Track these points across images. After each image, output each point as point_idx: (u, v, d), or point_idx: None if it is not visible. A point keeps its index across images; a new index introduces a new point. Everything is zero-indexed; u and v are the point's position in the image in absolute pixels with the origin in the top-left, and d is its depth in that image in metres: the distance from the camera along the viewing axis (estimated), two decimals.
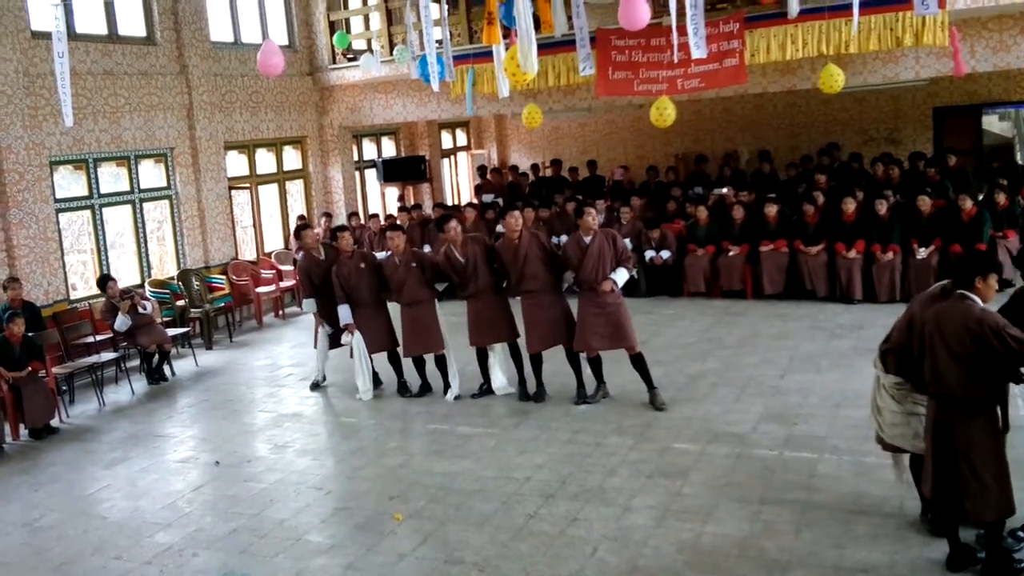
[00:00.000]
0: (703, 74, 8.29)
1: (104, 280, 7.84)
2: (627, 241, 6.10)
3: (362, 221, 11.15)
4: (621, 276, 5.86)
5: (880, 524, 4.08)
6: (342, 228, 6.86)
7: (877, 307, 8.30)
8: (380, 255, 7.71)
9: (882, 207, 8.51)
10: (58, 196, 8.37)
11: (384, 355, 6.79)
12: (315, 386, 7.15)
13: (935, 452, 3.56)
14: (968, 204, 8.34)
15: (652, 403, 5.93)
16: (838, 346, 7.15)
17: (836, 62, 7.69)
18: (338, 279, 6.59)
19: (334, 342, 6.96)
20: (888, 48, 7.85)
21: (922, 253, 8.34)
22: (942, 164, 10.04)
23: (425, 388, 6.67)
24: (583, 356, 6.11)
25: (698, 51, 6.69)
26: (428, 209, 11.96)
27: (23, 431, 6.56)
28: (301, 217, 10.89)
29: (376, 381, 6.86)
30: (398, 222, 9.02)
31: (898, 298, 8.36)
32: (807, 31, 7.96)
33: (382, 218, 11.23)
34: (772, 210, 9.05)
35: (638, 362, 5.93)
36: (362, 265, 6.60)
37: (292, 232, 8.64)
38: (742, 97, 11.41)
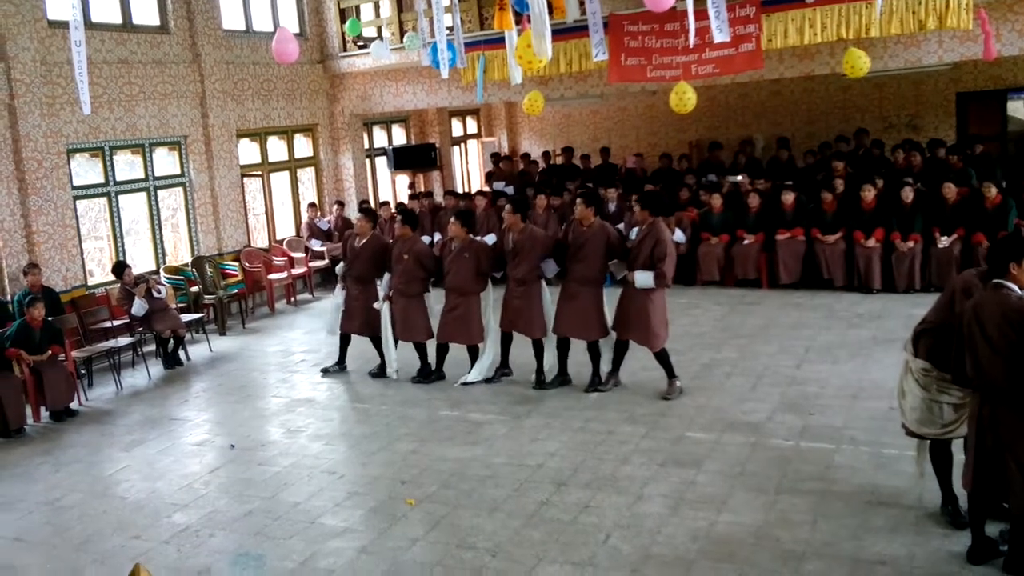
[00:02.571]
0: (718, 59, 8.15)
1: (120, 267, 7.90)
2: (636, 229, 6.02)
3: None
4: (641, 277, 5.80)
5: (899, 516, 4.03)
6: (406, 211, 7.12)
7: (896, 297, 8.19)
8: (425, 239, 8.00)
9: (908, 195, 8.36)
10: (75, 183, 8.43)
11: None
12: (326, 371, 7.19)
13: (978, 445, 3.48)
14: (993, 192, 8.17)
15: (665, 390, 5.92)
16: (856, 336, 7.06)
17: (856, 46, 7.52)
18: (389, 254, 6.79)
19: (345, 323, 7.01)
20: (910, 31, 7.68)
21: (944, 242, 8.20)
22: (964, 151, 9.83)
23: (439, 375, 6.69)
24: (602, 342, 6.12)
25: (720, 35, 6.55)
26: (439, 197, 11.93)
27: (44, 413, 6.65)
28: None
29: (383, 371, 6.90)
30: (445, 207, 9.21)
31: (918, 288, 8.25)
32: (826, 15, 7.80)
33: (392, 206, 11.21)
34: (789, 198, 8.93)
35: (658, 357, 5.94)
36: (406, 256, 6.64)
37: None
38: (758, 83, 11.25)
